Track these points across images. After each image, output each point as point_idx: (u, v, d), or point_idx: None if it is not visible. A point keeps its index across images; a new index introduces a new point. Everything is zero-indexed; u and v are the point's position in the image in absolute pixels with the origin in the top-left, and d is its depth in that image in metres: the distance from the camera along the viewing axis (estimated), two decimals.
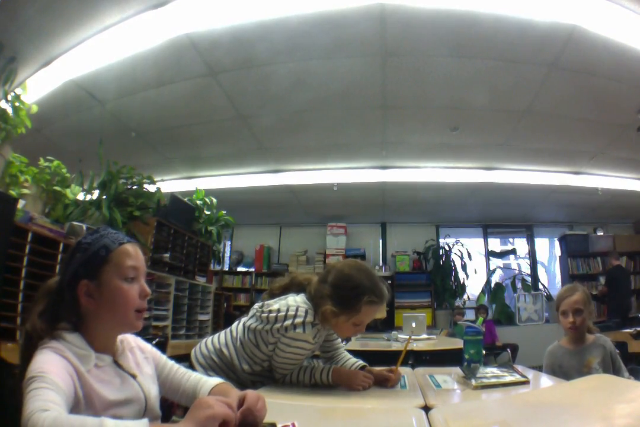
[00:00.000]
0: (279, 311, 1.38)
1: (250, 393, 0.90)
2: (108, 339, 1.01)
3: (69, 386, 0.82)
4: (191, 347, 1.63)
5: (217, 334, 1.60)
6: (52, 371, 0.81)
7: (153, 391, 1.04)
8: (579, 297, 1.92)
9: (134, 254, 1.02)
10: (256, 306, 1.47)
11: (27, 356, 0.87)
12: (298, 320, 1.35)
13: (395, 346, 3.04)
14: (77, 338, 0.94)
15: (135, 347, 1.09)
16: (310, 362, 1.64)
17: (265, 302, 1.45)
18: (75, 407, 0.83)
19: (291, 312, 1.36)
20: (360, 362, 1.60)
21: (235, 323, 1.58)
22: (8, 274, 2.68)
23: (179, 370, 1.14)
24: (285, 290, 1.55)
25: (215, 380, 1.08)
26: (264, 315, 1.39)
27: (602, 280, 6.78)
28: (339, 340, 1.72)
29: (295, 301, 1.41)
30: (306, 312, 1.37)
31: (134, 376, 1.00)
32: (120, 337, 1.05)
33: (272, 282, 1.79)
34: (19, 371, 0.86)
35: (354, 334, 1.49)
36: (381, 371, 1.47)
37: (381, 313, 6.63)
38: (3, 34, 2.87)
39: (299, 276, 1.57)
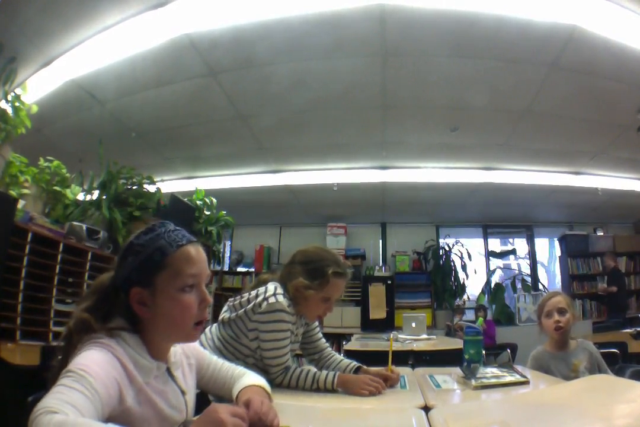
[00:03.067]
0: (249, 294, 1.50)
1: (253, 398, 0.86)
2: (164, 346, 0.92)
3: (110, 395, 0.73)
4: None
5: None
6: (98, 373, 0.71)
7: (192, 407, 0.98)
8: (562, 299, 1.99)
9: (195, 258, 0.89)
10: (228, 302, 1.57)
11: (67, 356, 0.78)
12: (269, 293, 1.43)
13: (395, 346, 3.03)
14: (137, 342, 0.85)
15: (181, 352, 1.01)
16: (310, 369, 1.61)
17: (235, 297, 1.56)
18: (131, 420, 0.77)
19: (261, 291, 1.47)
20: (355, 364, 1.58)
21: (207, 328, 1.62)
22: (8, 274, 2.69)
23: (224, 366, 1.10)
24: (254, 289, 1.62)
25: (246, 381, 1.03)
26: (236, 302, 1.51)
27: (601, 280, 6.76)
28: (324, 340, 1.72)
29: (265, 287, 1.49)
30: (275, 288, 1.47)
31: (183, 393, 0.94)
32: None
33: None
34: (51, 372, 0.77)
35: (323, 313, 1.53)
36: (380, 371, 1.46)
37: (381, 313, 6.65)
38: (3, 34, 2.87)
39: (264, 275, 1.68)
